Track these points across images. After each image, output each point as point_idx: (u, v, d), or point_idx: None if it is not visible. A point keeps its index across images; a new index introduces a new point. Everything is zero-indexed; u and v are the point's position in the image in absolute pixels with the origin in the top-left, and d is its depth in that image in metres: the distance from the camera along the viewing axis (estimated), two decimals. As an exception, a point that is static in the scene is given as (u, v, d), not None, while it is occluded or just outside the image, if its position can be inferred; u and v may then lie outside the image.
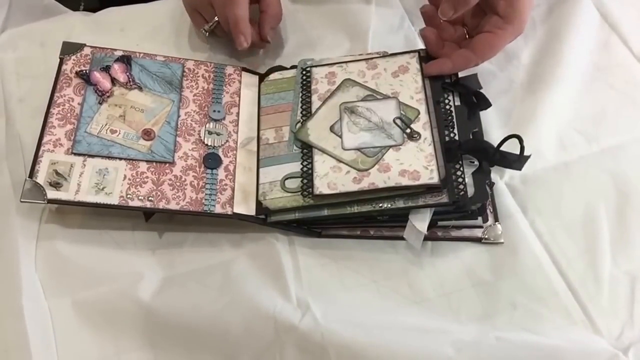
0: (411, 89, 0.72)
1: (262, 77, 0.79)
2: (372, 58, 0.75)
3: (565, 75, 0.79)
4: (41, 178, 0.65)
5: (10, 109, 0.77)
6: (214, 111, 0.74)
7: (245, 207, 0.68)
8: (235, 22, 0.75)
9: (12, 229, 0.67)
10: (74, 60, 0.73)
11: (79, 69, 0.73)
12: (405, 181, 0.65)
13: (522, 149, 0.65)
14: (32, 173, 0.65)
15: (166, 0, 0.88)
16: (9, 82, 0.79)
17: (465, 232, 0.69)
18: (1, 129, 0.75)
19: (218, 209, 0.67)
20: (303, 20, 0.86)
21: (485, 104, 0.73)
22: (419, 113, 0.69)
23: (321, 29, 0.85)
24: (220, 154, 0.71)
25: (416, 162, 0.66)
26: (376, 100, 0.71)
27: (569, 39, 0.82)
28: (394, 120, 0.69)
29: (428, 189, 0.64)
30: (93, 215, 0.69)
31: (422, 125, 0.69)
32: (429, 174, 0.65)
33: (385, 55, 0.76)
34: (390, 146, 0.67)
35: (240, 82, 0.77)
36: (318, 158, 0.69)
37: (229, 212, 0.67)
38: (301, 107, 0.73)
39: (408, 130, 0.68)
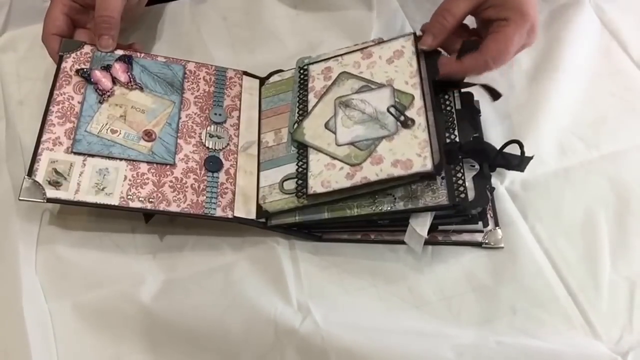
0: (406, 73, 0.70)
1: (262, 81, 0.79)
2: (367, 47, 0.74)
3: (565, 82, 0.80)
4: (40, 176, 0.64)
5: (11, 111, 0.77)
6: (215, 114, 0.73)
7: (245, 211, 0.68)
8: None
9: (13, 232, 0.67)
10: (73, 58, 0.72)
11: (79, 67, 0.72)
12: (397, 171, 0.63)
13: (522, 154, 0.65)
14: (30, 171, 0.64)
15: (165, 4, 0.88)
16: (9, 84, 0.79)
17: (466, 237, 0.69)
18: (1, 132, 0.75)
19: (219, 213, 0.67)
20: (304, 25, 0.87)
21: (496, 95, 0.72)
22: (413, 98, 0.68)
23: (323, 34, 0.86)
24: (221, 157, 0.71)
25: (409, 151, 0.64)
26: (370, 90, 0.70)
27: (569, 46, 0.82)
28: (387, 109, 0.68)
29: (422, 177, 0.63)
30: (93, 218, 0.69)
31: (416, 110, 0.67)
32: (422, 161, 0.63)
33: (381, 41, 0.75)
34: (384, 137, 0.66)
35: (241, 85, 0.77)
36: (313, 157, 0.68)
37: (230, 216, 0.67)
38: (298, 106, 0.73)
39: (402, 118, 0.67)
